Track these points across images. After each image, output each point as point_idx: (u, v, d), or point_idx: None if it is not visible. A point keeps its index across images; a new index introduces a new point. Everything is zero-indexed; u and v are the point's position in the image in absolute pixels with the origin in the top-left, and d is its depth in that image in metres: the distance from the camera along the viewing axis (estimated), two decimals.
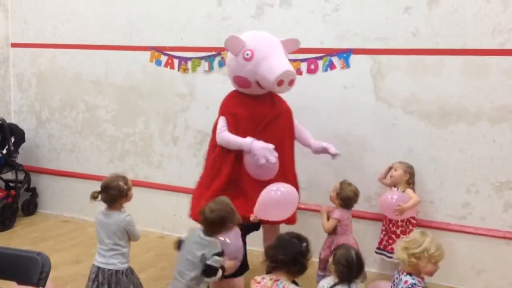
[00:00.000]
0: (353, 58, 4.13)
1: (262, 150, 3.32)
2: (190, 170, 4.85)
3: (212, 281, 2.96)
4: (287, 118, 3.70)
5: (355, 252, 2.74)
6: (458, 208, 3.91)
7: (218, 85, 4.65)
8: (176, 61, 4.82)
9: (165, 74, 4.87)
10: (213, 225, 2.88)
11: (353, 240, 3.61)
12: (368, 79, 4.10)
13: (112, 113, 5.17)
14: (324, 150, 3.67)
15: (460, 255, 3.88)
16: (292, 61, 4.28)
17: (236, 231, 3.15)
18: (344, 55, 4.15)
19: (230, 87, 4.57)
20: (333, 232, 3.61)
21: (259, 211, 3.27)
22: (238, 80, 3.58)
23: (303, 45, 4.26)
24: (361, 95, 4.13)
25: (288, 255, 2.58)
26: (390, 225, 3.83)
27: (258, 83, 3.49)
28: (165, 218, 4.97)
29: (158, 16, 4.85)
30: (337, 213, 3.58)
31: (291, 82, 3.46)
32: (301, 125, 3.79)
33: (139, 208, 5.04)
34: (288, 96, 4.32)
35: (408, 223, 3.79)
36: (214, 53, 4.64)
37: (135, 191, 4.97)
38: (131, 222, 3.08)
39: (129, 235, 3.09)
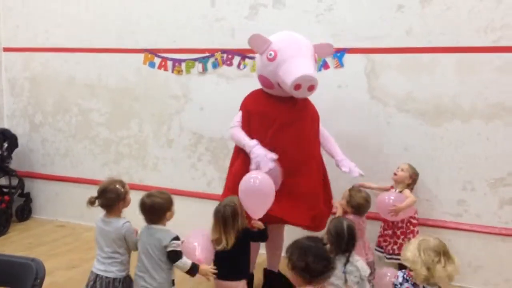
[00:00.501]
0: (347, 58, 4.13)
1: (259, 157, 3.25)
2: (185, 173, 4.84)
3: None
4: (311, 122, 3.58)
5: (347, 223, 2.82)
6: (454, 205, 3.91)
7: (213, 87, 4.65)
8: (169, 63, 4.80)
9: (159, 76, 4.85)
10: (152, 212, 2.93)
11: (367, 243, 3.57)
12: (362, 78, 4.10)
13: (106, 116, 5.14)
14: (350, 169, 3.54)
15: (457, 252, 3.81)
16: None
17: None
18: (338, 54, 4.15)
19: (224, 88, 4.62)
20: None
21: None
22: (262, 79, 3.52)
23: None
24: (356, 94, 4.13)
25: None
26: (389, 226, 3.79)
27: (279, 85, 3.39)
28: None
29: (151, 18, 4.83)
30: (351, 218, 3.42)
31: (311, 88, 3.30)
32: (328, 133, 3.71)
33: (135, 212, 5.04)
34: None
35: (408, 224, 3.73)
36: (207, 54, 4.63)
37: (130, 195, 5.04)
38: (130, 229, 2.98)
39: (127, 243, 2.98)
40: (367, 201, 3.55)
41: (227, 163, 4.63)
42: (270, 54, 3.36)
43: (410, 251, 2.43)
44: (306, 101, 3.57)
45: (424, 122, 3.94)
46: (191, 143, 4.81)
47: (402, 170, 3.77)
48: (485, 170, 3.78)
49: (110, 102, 5.12)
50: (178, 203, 4.80)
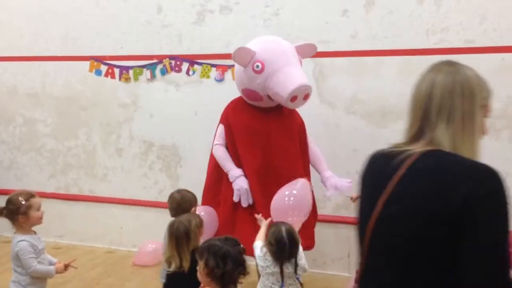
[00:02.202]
0: None
1: (242, 191, 3.18)
2: (137, 182, 4.74)
3: None
4: (299, 133, 3.45)
5: (286, 229, 2.63)
6: None
7: (162, 94, 4.58)
8: (117, 70, 4.70)
9: (106, 84, 4.74)
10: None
11: None
12: (311, 81, 4.11)
13: (52, 126, 4.98)
14: (336, 189, 3.39)
15: None
16: (234, 66, 4.30)
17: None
18: None
19: (173, 95, 4.56)
20: None
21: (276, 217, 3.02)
22: (248, 93, 3.30)
23: None
24: None
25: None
26: None
27: (269, 97, 3.22)
28: (112, 232, 4.82)
29: (96, 25, 4.71)
30: None
31: (306, 96, 3.18)
32: (313, 144, 3.57)
33: (85, 223, 4.92)
34: (230, 101, 4.33)
35: None
36: (156, 61, 4.56)
37: (80, 206, 4.90)
38: (23, 250, 2.69)
39: (22, 264, 2.71)
40: None
41: (179, 170, 4.61)
42: (257, 66, 3.14)
43: None
44: (292, 110, 3.42)
45: (370, 123, 4.01)
46: (141, 151, 4.72)
47: None
48: None
49: (56, 111, 4.95)
50: (130, 213, 4.78)
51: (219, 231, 3.29)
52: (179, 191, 3.26)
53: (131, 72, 4.65)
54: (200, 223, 2.76)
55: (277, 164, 3.25)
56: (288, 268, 2.67)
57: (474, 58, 3.70)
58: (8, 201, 2.77)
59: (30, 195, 2.82)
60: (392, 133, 3.95)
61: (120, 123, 4.75)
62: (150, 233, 4.53)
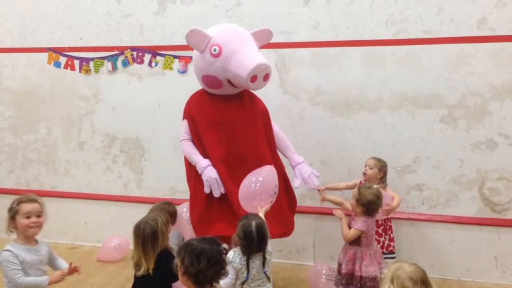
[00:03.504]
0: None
1: (211, 181, 3.12)
2: (100, 176, 4.67)
3: None
4: (263, 119, 3.41)
5: (256, 223, 2.63)
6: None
7: (124, 86, 4.50)
8: (76, 62, 4.59)
9: (66, 76, 4.63)
10: None
11: (379, 251, 3.26)
12: (274, 73, 4.07)
13: (10, 120, 4.83)
14: (303, 180, 3.38)
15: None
16: None
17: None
18: None
19: (136, 87, 4.49)
20: (356, 242, 3.14)
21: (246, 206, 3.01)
22: (207, 80, 3.25)
23: None
24: (268, 89, 4.12)
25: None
26: None
27: (229, 81, 3.17)
28: (76, 227, 4.73)
29: (54, 15, 4.58)
30: (361, 224, 3.09)
31: (266, 77, 3.13)
32: (279, 130, 3.53)
33: (47, 219, 4.78)
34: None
35: (386, 220, 3.63)
36: (117, 52, 4.47)
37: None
38: (5, 262, 2.53)
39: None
40: (377, 197, 3.13)
41: (143, 163, 4.56)
42: (214, 50, 3.11)
43: (385, 283, 2.01)
44: (252, 96, 3.42)
45: (334, 114, 4.04)
46: (104, 144, 4.63)
47: (371, 167, 3.62)
48: (393, 158, 3.94)
49: (14, 105, 4.81)
50: (95, 207, 4.70)
51: (195, 228, 3.26)
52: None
53: (91, 63, 4.54)
54: (167, 220, 2.75)
55: (244, 152, 3.23)
56: (255, 262, 2.68)
57: (432, 49, 3.81)
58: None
59: (25, 199, 2.64)
60: (356, 123, 4.02)
61: (81, 116, 4.64)
62: (115, 228, 4.48)
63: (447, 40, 3.77)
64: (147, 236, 2.62)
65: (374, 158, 3.70)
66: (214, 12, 4.20)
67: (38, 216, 2.64)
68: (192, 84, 4.27)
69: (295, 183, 3.42)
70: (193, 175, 3.29)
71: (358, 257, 3.12)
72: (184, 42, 4.21)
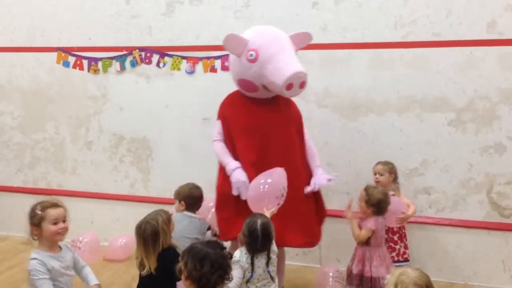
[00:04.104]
0: None
1: (239, 183, 3.07)
2: (107, 175, 4.69)
3: None
4: (297, 125, 3.37)
5: (262, 222, 2.63)
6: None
7: (132, 86, 4.52)
8: (85, 62, 4.61)
9: (74, 75, 4.65)
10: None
11: (388, 253, 3.26)
12: None
13: (19, 119, 4.86)
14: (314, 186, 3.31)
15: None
16: (206, 58, 4.28)
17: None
18: None
19: (144, 87, 4.50)
20: (366, 243, 3.17)
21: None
22: (243, 83, 3.20)
23: (215, 42, 4.25)
24: None
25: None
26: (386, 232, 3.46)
27: (265, 87, 3.13)
28: (82, 227, 4.73)
29: (64, 15, 4.61)
30: (372, 223, 3.13)
31: (302, 84, 3.06)
32: (308, 138, 3.47)
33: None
34: (202, 94, 4.31)
35: (401, 227, 3.59)
36: (125, 52, 4.49)
37: None
38: (33, 271, 2.41)
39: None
40: (386, 195, 3.19)
41: (150, 163, 4.58)
42: (251, 55, 3.05)
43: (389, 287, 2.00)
44: (288, 101, 3.36)
45: (341, 116, 4.03)
46: (111, 144, 4.65)
47: (381, 174, 3.62)
48: (400, 161, 3.91)
49: (23, 104, 4.84)
50: (102, 207, 4.71)
51: (220, 226, 3.25)
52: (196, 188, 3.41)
53: (100, 63, 4.56)
54: (168, 219, 2.74)
55: (275, 157, 3.18)
56: (261, 261, 2.68)
57: (441, 52, 3.79)
58: (30, 209, 2.50)
59: (50, 204, 2.52)
60: (363, 126, 4.01)
61: (89, 116, 4.67)
62: (121, 228, 4.50)
63: (456, 43, 3.75)
64: (147, 236, 2.62)
65: (380, 163, 3.68)
66: (223, 13, 4.21)
67: (64, 221, 2.54)
68: (199, 85, 4.33)
69: (306, 189, 3.33)
70: (223, 175, 3.26)
71: (368, 257, 3.12)
72: (192, 43, 4.32)
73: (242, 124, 3.20)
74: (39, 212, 2.46)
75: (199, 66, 4.31)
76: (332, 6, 3.96)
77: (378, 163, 3.69)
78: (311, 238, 3.27)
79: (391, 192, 3.52)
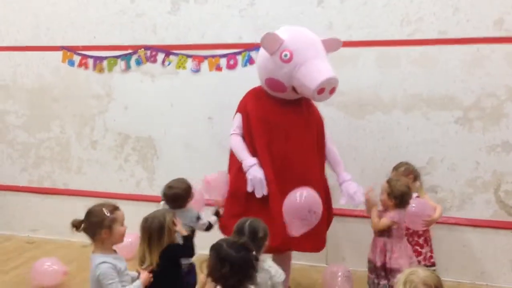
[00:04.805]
0: None
1: (255, 180, 3.06)
2: (112, 174, 4.69)
3: None
4: (317, 128, 3.35)
5: (251, 221, 2.55)
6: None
7: (137, 85, 4.51)
8: (90, 61, 4.61)
9: (79, 74, 4.64)
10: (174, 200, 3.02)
11: (409, 247, 3.22)
12: None
13: (24, 118, 4.86)
14: (349, 196, 3.28)
15: None
16: (211, 57, 4.27)
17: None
18: None
19: (149, 86, 4.49)
20: (386, 234, 3.13)
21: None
22: (271, 82, 3.17)
23: (220, 40, 4.25)
24: None
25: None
26: (411, 236, 3.50)
27: (294, 88, 3.13)
28: None
29: (68, 14, 4.60)
30: (395, 214, 3.09)
31: (333, 90, 3.08)
32: (332, 144, 3.44)
33: (59, 217, 4.82)
34: (207, 93, 4.30)
35: (426, 230, 3.54)
36: (130, 51, 4.48)
37: (54, 200, 4.82)
38: (105, 275, 2.35)
39: None
40: (409, 188, 3.16)
41: (155, 162, 4.57)
42: (285, 55, 3.03)
43: (398, 286, 1.98)
44: (310, 103, 3.35)
45: (348, 114, 4.02)
46: (117, 143, 4.65)
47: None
48: (406, 160, 3.88)
49: (27, 103, 4.84)
50: None
51: (226, 223, 3.18)
52: (170, 187, 3.14)
53: (105, 62, 4.56)
54: (174, 220, 2.70)
55: (293, 158, 3.16)
56: None
57: (448, 49, 3.77)
58: (90, 213, 2.45)
59: (114, 207, 2.51)
60: (369, 124, 3.99)
61: (94, 115, 4.66)
62: (129, 227, 4.47)
63: (462, 41, 3.73)
64: (153, 230, 2.58)
65: (394, 167, 3.64)
66: (228, 12, 4.19)
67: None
68: (205, 84, 4.32)
69: (341, 200, 3.34)
70: (236, 170, 3.23)
71: (388, 249, 3.09)
72: (198, 42, 4.31)
73: (264, 120, 3.18)
74: (109, 215, 2.44)
75: (205, 65, 4.29)
76: (338, 4, 3.94)
77: (393, 169, 3.61)
78: (318, 244, 3.25)
79: (415, 194, 3.45)
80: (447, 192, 3.88)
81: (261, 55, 3.21)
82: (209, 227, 3.18)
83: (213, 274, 2.02)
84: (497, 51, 3.67)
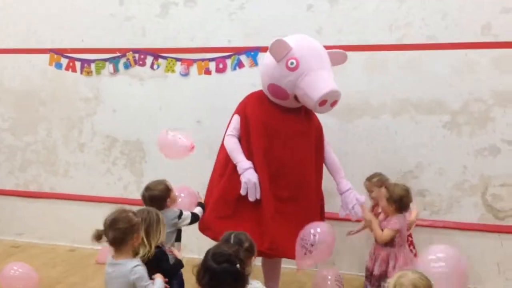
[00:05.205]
0: (261, 56, 4.08)
1: (249, 184, 3.06)
2: (100, 178, 4.64)
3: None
4: (316, 136, 3.34)
5: (238, 233, 2.48)
6: (367, 200, 4.00)
7: (125, 88, 4.48)
8: (78, 64, 4.57)
9: (67, 77, 4.60)
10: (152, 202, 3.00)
11: (411, 254, 3.21)
12: None
13: (10, 121, 4.81)
14: (348, 210, 3.30)
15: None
16: (200, 60, 4.26)
17: None
18: (252, 53, 4.14)
19: (137, 89, 4.46)
20: (389, 243, 3.13)
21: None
22: (274, 89, 3.15)
23: (210, 44, 4.24)
24: None
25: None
26: None
27: (296, 97, 3.12)
28: (75, 230, 4.68)
29: (56, 17, 4.57)
30: (396, 222, 3.09)
31: (334, 103, 3.09)
32: (332, 152, 3.45)
33: (45, 221, 4.78)
34: (196, 97, 4.29)
35: (409, 234, 3.52)
36: (118, 54, 4.45)
37: (40, 204, 4.76)
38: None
39: None
40: (407, 191, 3.14)
41: (143, 166, 4.53)
42: (292, 63, 3.02)
43: None
44: (311, 114, 3.34)
45: (336, 119, 4.02)
46: (104, 146, 4.61)
47: (371, 191, 3.60)
48: (395, 164, 3.93)
49: (14, 106, 4.78)
50: (94, 210, 4.63)
51: (213, 224, 3.17)
52: (147, 188, 3.15)
53: (93, 65, 4.52)
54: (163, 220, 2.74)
55: (289, 164, 3.16)
56: None
57: (436, 54, 3.80)
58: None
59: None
60: (358, 129, 4.00)
61: (82, 118, 4.62)
62: None
63: (451, 46, 3.77)
64: (152, 221, 2.63)
65: (367, 178, 3.65)
66: (217, 15, 4.19)
67: None
68: (194, 87, 4.30)
69: (340, 213, 3.36)
70: (229, 172, 3.21)
71: (392, 258, 3.08)
72: (187, 45, 4.29)
73: (263, 124, 3.18)
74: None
75: (194, 68, 4.28)
76: (327, 8, 3.96)
77: (366, 179, 3.66)
78: None
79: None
80: (435, 196, 3.90)
81: (266, 61, 3.19)
82: (193, 219, 3.15)
83: (198, 281, 2.00)
84: (484, 56, 3.71)
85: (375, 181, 3.61)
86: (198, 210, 3.24)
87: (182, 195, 3.33)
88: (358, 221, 3.53)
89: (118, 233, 2.42)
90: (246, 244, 2.41)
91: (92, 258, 4.31)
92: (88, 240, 4.52)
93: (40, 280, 3.38)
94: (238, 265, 2.02)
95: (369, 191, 3.64)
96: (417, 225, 3.89)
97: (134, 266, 2.40)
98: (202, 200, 3.37)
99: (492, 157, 3.77)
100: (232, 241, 2.39)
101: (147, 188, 3.14)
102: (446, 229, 3.89)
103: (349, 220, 3.42)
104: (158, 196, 3.08)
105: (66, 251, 4.58)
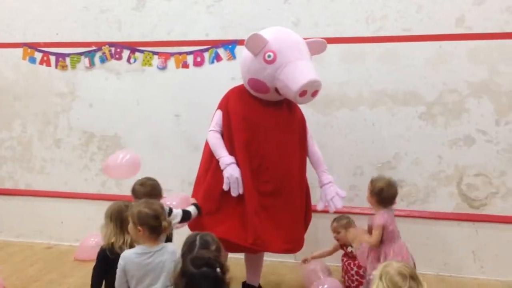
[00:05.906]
0: (239, 49, 4.09)
1: (232, 179, 3.05)
2: (77, 174, 4.58)
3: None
4: (299, 129, 3.34)
5: (203, 234, 2.40)
6: (346, 190, 4.01)
7: (101, 82, 4.43)
8: (52, 58, 4.49)
9: (41, 72, 4.53)
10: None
11: (405, 247, 3.13)
12: None
13: None
14: (326, 202, 3.33)
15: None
16: (178, 54, 4.23)
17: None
18: (230, 46, 4.13)
19: (114, 83, 4.41)
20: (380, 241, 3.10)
21: None
22: (254, 83, 3.14)
23: (187, 37, 4.22)
24: None
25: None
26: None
27: (276, 90, 3.11)
28: (52, 227, 4.63)
29: (29, 10, 4.47)
30: (379, 219, 3.06)
31: (315, 93, 3.08)
32: (314, 144, 3.45)
33: (22, 219, 4.71)
34: (174, 91, 4.26)
35: None
36: (94, 48, 4.39)
37: (16, 201, 4.68)
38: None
39: None
40: (388, 184, 3.12)
41: None
42: (269, 56, 3.01)
43: (374, 282, 2.03)
44: (294, 106, 3.33)
45: (315, 111, 4.04)
46: (81, 142, 4.55)
47: (338, 232, 3.60)
48: (373, 155, 3.97)
49: None
50: (72, 206, 4.60)
51: (200, 222, 3.14)
52: (142, 183, 3.11)
53: (68, 59, 4.45)
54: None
55: (272, 158, 3.15)
56: None
57: (411, 46, 3.85)
58: (158, 216, 2.47)
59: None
60: (336, 121, 4.03)
61: (58, 113, 4.55)
62: (93, 227, 4.38)
63: (425, 38, 3.81)
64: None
65: (334, 219, 3.66)
66: (195, 8, 4.17)
67: None
68: (171, 81, 4.27)
69: (318, 206, 3.38)
70: (214, 168, 3.20)
71: (382, 255, 3.05)
72: (164, 38, 4.26)
73: (244, 118, 3.16)
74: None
75: (171, 62, 4.25)
76: (304, 1, 3.97)
77: (334, 220, 3.66)
78: (292, 245, 3.24)
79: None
80: (411, 186, 3.96)
81: (245, 56, 3.19)
82: (185, 217, 3.05)
83: (176, 284, 1.96)
84: (459, 47, 3.77)
85: (344, 223, 3.60)
86: (191, 209, 3.16)
87: (174, 203, 3.22)
88: (336, 212, 3.54)
89: (153, 224, 2.45)
90: (213, 247, 2.31)
91: (70, 255, 4.25)
92: (65, 237, 4.55)
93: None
94: (218, 269, 1.95)
95: (336, 232, 3.63)
96: (395, 215, 3.97)
97: (175, 249, 2.48)
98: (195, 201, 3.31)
99: (466, 148, 3.84)
100: (197, 242, 2.29)
101: (142, 183, 3.11)
102: (422, 218, 3.96)
103: (324, 211, 3.44)
104: (157, 185, 3.08)
105: (43, 249, 4.51)
